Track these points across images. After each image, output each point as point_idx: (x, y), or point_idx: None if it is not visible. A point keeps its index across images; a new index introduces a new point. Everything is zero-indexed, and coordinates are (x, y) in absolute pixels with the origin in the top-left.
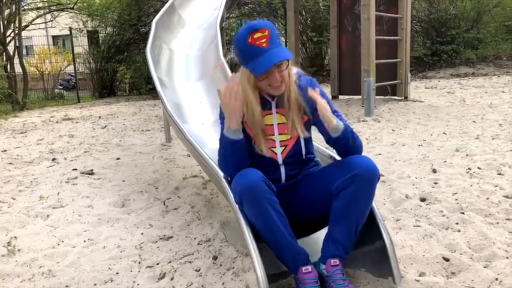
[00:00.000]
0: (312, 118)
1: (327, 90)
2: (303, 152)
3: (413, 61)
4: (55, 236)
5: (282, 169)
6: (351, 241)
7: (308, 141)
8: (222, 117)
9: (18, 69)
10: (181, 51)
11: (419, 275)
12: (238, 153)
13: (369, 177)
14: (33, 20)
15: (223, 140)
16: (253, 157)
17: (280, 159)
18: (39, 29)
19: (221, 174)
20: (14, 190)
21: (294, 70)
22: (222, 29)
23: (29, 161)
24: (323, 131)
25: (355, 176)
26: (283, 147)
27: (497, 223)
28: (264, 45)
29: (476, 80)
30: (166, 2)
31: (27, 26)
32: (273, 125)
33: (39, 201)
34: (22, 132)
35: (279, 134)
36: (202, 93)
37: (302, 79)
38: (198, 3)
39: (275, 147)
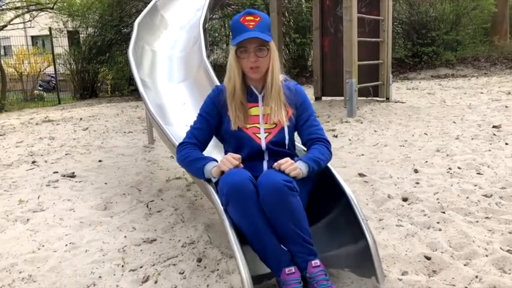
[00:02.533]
0: (295, 119)
1: (310, 91)
2: (286, 142)
3: (395, 62)
4: (35, 241)
5: (265, 165)
6: (305, 244)
7: (291, 134)
8: (204, 107)
9: None
10: (164, 52)
11: (402, 274)
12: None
13: (272, 193)
14: (12, 20)
15: (197, 163)
16: (236, 146)
17: (263, 144)
18: (17, 29)
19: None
20: None
21: (282, 76)
22: (205, 30)
23: (8, 164)
24: (301, 136)
25: (262, 199)
26: (267, 134)
27: (477, 222)
28: (251, 26)
29: (455, 81)
30: (148, 3)
31: (5, 26)
32: (258, 115)
33: (19, 205)
34: (0, 135)
35: (264, 123)
36: (186, 95)
37: (288, 82)
38: (181, 4)
39: (259, 133)
